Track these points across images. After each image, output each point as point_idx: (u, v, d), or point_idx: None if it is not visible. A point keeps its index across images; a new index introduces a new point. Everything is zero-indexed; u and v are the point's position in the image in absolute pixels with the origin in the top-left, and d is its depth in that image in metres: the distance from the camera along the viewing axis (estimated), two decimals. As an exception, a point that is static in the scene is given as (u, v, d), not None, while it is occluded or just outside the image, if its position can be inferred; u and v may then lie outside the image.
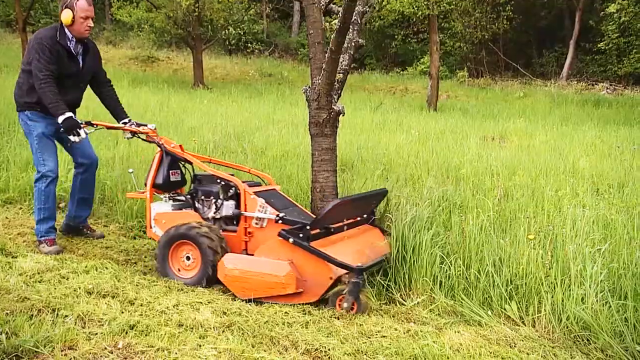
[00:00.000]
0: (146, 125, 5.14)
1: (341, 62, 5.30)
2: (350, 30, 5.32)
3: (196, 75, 21.64)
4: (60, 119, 4.69)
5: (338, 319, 3.91)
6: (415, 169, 7.71)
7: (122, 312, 3.71)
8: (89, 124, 4.91)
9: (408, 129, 11.74)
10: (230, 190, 4.86)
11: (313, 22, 5.31)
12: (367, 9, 5.67)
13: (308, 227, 4.16)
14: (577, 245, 4.26)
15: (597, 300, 3.73)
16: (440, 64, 22.32)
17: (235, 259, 4.37)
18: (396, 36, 29.05)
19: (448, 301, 4.19)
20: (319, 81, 5.14)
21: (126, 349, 3.19)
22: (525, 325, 3.89)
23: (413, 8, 19.06)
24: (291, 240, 4.15)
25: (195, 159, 5.09)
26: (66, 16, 4.80)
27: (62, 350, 3.14)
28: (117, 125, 5.19)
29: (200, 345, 3.30)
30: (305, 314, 3.96)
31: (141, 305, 3.86)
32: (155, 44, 26.14)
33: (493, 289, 4.16)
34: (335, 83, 5.21)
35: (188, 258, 4.58)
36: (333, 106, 5.24)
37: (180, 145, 5.12)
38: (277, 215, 4.54)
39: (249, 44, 29.19)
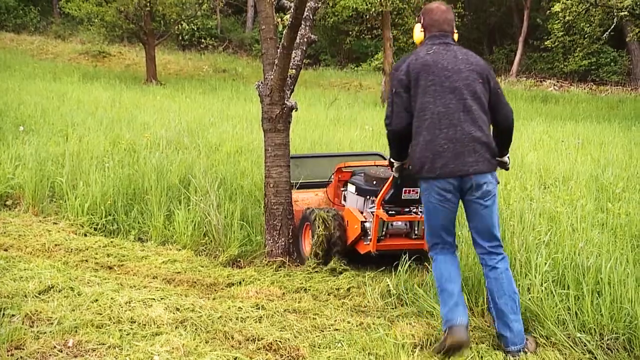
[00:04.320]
0: None
1: (293, 58, 5.31)
2: (303, 25, 5.33)
3: (149, 71, 21.29)
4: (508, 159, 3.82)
5: (291, 313, 3.94)
6: (368, 164, 7.78)
7: (73, 310, 3.66)
8: None
9: (362, 125, 11.82)
10: None
11: (265, 18, 5.31)
12: (319, 4, 5.70)
13: None
14: (523, 237, 4.39)
15: (542, 290, 3.85)
16: (394, 60, 22.52)
17: None
18: (350, 32, 29.15)
19: (403, 293, 4.25)
20: (272, 77, 5.15)
21: (76, 347, 3.15)
22: (475, 316, 3.99)
23: (366, 4, 19.18)
24: None
25: None
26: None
27: (8, 351, 3.08)
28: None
29: (153, 342, 3.28)
30: (259, 308, 3.98)
31: (92, 303, 3.81)
32: (106, 39, 25.53)
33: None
34: (288, 79, 5.23)
35: None
36: (286, 102, 5.25)
37: None
38: None
39: (203, 40, 28.80)
